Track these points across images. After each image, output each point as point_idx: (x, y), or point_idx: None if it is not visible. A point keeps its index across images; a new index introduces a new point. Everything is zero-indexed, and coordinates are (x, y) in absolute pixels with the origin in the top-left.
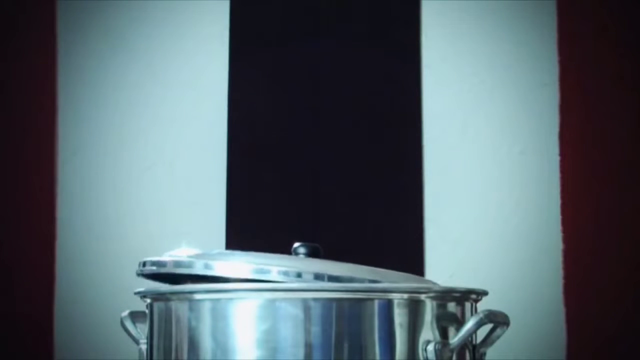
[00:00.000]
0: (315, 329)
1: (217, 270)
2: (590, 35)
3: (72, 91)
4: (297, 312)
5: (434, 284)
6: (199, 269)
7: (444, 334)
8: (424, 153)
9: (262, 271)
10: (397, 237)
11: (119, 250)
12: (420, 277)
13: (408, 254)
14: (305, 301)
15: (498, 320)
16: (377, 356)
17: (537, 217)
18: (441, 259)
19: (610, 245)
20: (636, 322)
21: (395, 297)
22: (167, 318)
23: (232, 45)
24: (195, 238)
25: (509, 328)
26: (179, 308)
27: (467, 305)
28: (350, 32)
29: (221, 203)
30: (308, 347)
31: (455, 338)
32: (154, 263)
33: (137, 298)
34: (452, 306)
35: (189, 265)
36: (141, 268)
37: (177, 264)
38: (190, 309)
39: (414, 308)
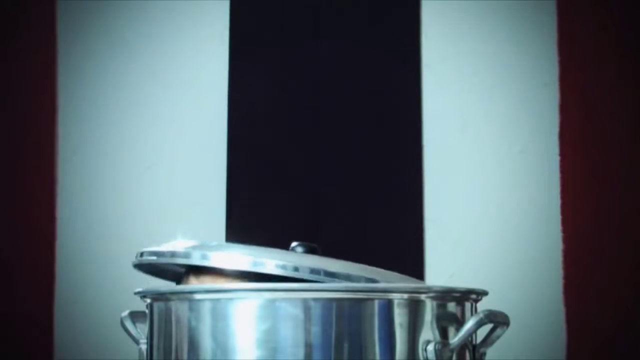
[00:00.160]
0: (315, 329)
1: (214, 261)
2: (590, 35)
3: (72, 91)
4: (297, 312)
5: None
6: (195, 259)
7: (444, 334)
8: (424, 153)
9: (258, 264)
10: (397, 237)
11: (119, 250)
12: (417, 280)
13: (408, 254)
14: (305, 301)
15: (498, 320)
16: (377, 356)
17: (537, 217)
18: (441, 259)
19: (610, 245)
20: (636, 322)
21: (395, 297)
22: (167, 318)
23: (232, 45)
24: (195, 238)
25: (509, 328)
26: (179, 308)
27: (467, 305)
28: (350, 32)
29: (221, 203)
30: (308, 347)
31: (455, 338)
32: (151, 253)
33: (137, 298)
34: (452, 306)
35: (186, 255)
36: (138, 258)
37: (174, 254)
38: (190, 309)
39: (414, 308)
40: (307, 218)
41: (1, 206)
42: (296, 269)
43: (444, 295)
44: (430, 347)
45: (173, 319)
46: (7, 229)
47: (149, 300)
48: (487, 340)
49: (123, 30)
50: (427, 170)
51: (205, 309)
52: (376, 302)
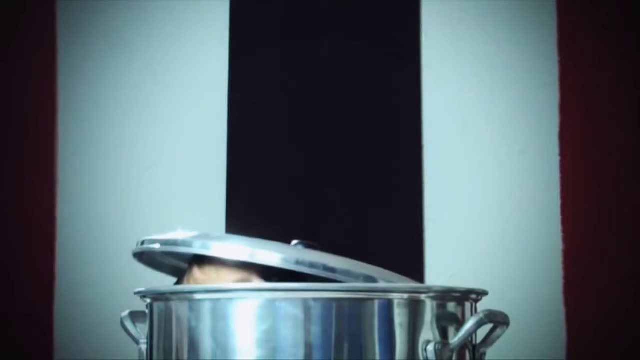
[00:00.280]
0: (315, 329)
1: (215, 250)
2: (590, 35)
3: (72, 91)
4: (297, 312)
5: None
6: (197, 248)
7: (444, 334)
8: (424, 153)
9: (259, 255)
10: (397, 237)
11: (119, 250)
12: (414, 280)
13: (408, 254)
14: (305, 301)
15: (498, 320)
16: (377, 356)
17: (537, 217)
18: (441, 259)
19: (610, 245)
20: (636, 322)
21: (395, 297)
22: (167, 318)
23: (232, 45)
24: None
25: (509, 328)
26: (179, 308)
27: (467, 305)
28: (350, 32)
29: (221, 203)
30: (308, 347)
31: (455, 338)
32: (153, 241)
33: (137, 298)
34: (452, 306)
35: (188, 244)
36: (139, 246)
37: (176, 242)
38: (190, 309)
39: (414, 308)
40: (307, 218)
41: (1, 206)
42: (297, 262)
43: (444, 295)
44: (430, 347)
45: (173, 319)
46: (7, 229)
47: (149, 300)
48: (487, 340)
49: (123, 30)
50: (427, 170)
51: (205, 309)
52: (376, 302)
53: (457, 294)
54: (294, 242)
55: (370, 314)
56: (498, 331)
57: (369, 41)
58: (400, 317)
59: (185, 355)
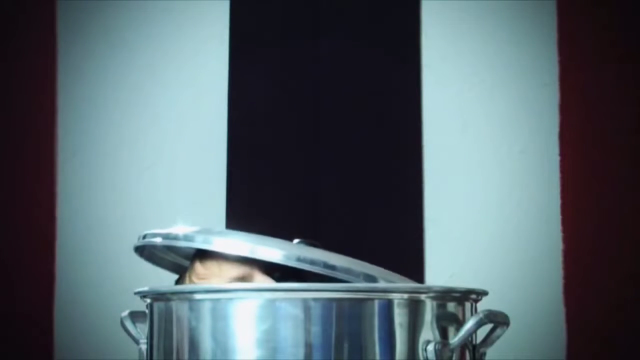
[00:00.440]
0: (315, 329)
1: (216, 245)
2: (590, 35)
3: (72, 91)
4: (297, 312)
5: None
6: (198, 243)
7: (444, 334)
8: (424, 153)
9: (260, 251)
10: (397, 237)
11: (118, 250)
12: (414, 281)
13: (408, 254)
14: (305, 301)
15: (498, 320)
16: (377, 356)
17: (537, 217)
18: (441, 259)
19: (610, 245)
20: (636, 322)
21: (395, 297)
22: (167, 318)
23: (232, 45)
24: None
25: (509, 328)
26: (179, 308)
27: (467, 305)
28: (350, 32)
29: (221, 203)
30: (308, 347)
31: (455, 338)
32: (154, 235)
33: (137, 298)
34: (452, 306)
35: (190, 238)
36: (141, 240)
37: (178, 236)
38: (190, 309)
39: (414, 308)
40: (307, 218)
41: (1, 206)
42: (298, 259)
43: (444, 295)
44: (430, 347)
45: (173, 319)
46: (7, 229)
47: (149, 300)
48: (487, 340)
49: (123, 30)
50: (427, 170)
51: (205, 309)
52: (376, 302)
53: (457, 294)
54: (296, 240)
55: (370, 314)
56: (498, 331)
57: (369, 41)
58: (400, 317)
59: (185, 355)
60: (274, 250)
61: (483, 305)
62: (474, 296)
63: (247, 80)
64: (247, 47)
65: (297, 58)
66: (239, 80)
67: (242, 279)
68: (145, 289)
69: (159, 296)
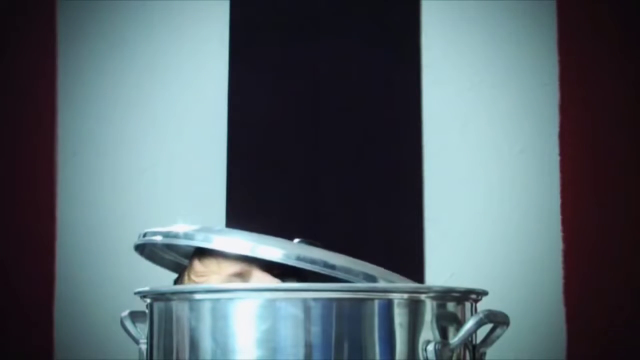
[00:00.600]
0: (315, 329)
1: (216, 243)
2: (590, 35)
3: (72, 91)
4: (297, 312)
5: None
6: (199, 241)
7: (444, 334)
8: (424, 153)
9: (261, 250)
10: (397, 237)
11: (118, 250)
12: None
13: (408, 254)
14: (305, 301)
15: (498, 320)
16: (377, 356)
17: (537, 217)
18: (441, 259)
19: (610, 245)
20: (636, 323)
21: (395, 297)
22: (167, 318)
23: (232, 45)
24: None
25: (509, 328)
26: (179, 308)
27: (467, 305)
28: (350, 32)
29: (221, 203)
30: (308, 347)
31: (455, 338)
32: (155, 233)
33: (137, 298)
34: (452, 306)
35: (190, 236)
36: (142, 238)
37: (178, 235)
38: (190, 309)
39: (414, 308)
40: (307, 218)
41: (1, 206)
42: (298, 258)
43: (444, 295)
44: (430, 347)
45: (173, 318)
46: (7, 229)
47: (149, 300)
48: (487, 340)
49: (123, 30)
50: (427, 170)
51: (205, 309)
52: (376, 302)
53: (457, 294)
54: (296, 239)
55: (370, 314)
56: (498, 331)
57: (369, 41)
58: (400, 317)
59: (186, 355)
60: (274, 249)
61: (483, 305)
62: (474, 296)
63: (247, 80)
64: (247, 47)
65: (297, 58)
66: (239, 80)
67: (241, 275)
68: (145, 289)
69: (159, 296)
